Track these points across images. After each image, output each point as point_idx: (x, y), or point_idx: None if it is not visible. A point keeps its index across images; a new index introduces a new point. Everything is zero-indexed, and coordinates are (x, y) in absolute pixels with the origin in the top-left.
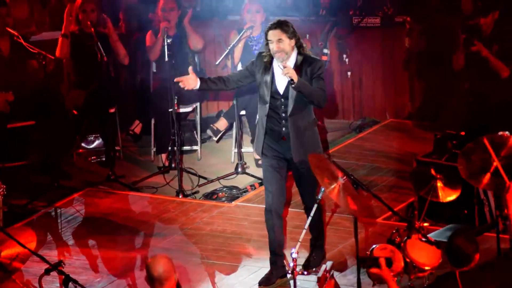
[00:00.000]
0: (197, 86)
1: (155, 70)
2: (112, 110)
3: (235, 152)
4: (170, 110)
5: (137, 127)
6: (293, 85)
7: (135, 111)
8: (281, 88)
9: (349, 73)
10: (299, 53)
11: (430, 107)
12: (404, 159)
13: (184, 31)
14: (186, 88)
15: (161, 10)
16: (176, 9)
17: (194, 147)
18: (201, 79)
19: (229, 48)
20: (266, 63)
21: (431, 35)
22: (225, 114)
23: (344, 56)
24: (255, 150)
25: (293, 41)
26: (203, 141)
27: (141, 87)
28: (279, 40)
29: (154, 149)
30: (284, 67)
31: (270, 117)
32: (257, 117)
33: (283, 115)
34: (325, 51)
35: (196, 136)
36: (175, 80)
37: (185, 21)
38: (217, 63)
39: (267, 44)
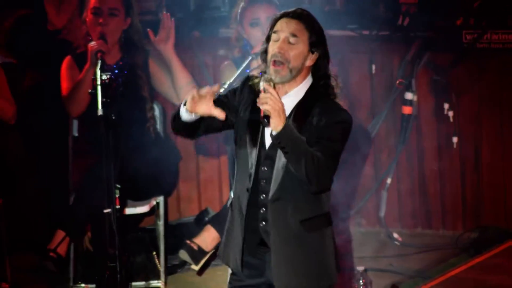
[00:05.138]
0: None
1: (76, 135)
2: None
3: None
4: (107, 211)
5: (61, 244)
6: (267, 127)
7: (39, 211)
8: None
9: (454, 140)
10: (312, 87)
11: None
12: None
13: (137, 59)
14: (196, 112)
15: (92, 13)
16: (121, 12)
17: (154, 283)
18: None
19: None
20: (257, 94)
21: None
22: (214, 219)
23: (446, 106)
24: (223, 260)
25: (314, 57)
26: (170, 271)
27: (48, 164)
28: (292, 37)
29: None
30: (265, 90)
31: (251, 200)
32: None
33: (262, 197)
34: (409, 96)
35: (157, 261)
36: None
37: (168, 48)
38: None
39: (265, 51)
